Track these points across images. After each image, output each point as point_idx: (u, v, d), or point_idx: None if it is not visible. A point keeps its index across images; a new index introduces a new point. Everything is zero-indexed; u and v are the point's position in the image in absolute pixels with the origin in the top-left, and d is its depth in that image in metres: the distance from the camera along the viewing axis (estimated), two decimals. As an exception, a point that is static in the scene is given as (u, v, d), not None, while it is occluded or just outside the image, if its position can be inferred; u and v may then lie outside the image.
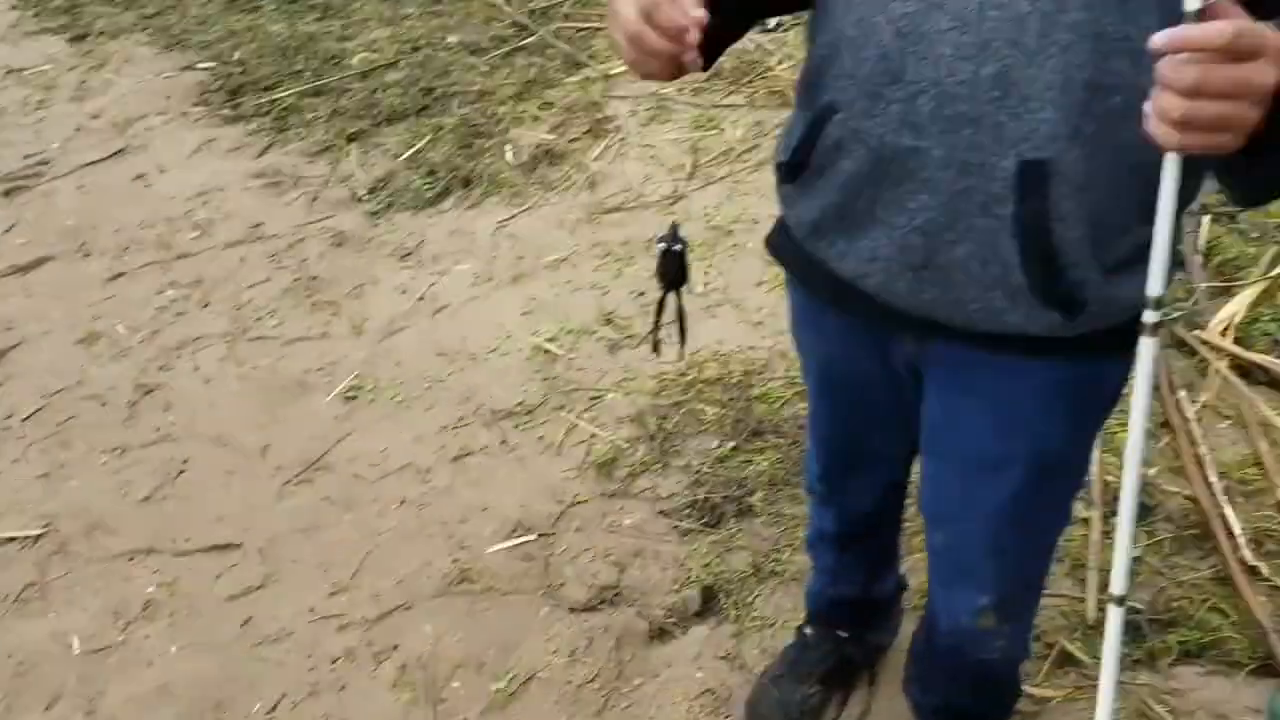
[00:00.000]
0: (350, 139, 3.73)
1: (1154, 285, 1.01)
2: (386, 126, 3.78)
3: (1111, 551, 2.07)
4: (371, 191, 3.47)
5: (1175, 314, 2.56)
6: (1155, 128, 0.90)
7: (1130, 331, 1.09)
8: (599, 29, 4.15)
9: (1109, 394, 1.34)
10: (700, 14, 1.02)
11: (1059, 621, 2.03)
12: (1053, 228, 1.11)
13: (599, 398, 2.67)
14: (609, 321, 2.89)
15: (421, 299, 3.02)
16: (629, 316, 2.90)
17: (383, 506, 2.43)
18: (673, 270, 1.42)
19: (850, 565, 1.83)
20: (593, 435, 2.56)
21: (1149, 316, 1.02)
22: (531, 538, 2.33)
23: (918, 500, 1.53)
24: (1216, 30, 0.84)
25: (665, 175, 3.42)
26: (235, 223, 3.39)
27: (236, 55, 4.31)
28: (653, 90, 3.80)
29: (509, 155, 3.53)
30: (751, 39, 3.97)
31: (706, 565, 2.25)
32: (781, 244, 1.40)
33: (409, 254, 3.20)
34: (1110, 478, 2.20)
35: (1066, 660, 1.96)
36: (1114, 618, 1.15)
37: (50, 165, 3.73)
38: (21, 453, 2.61)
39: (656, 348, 1.62)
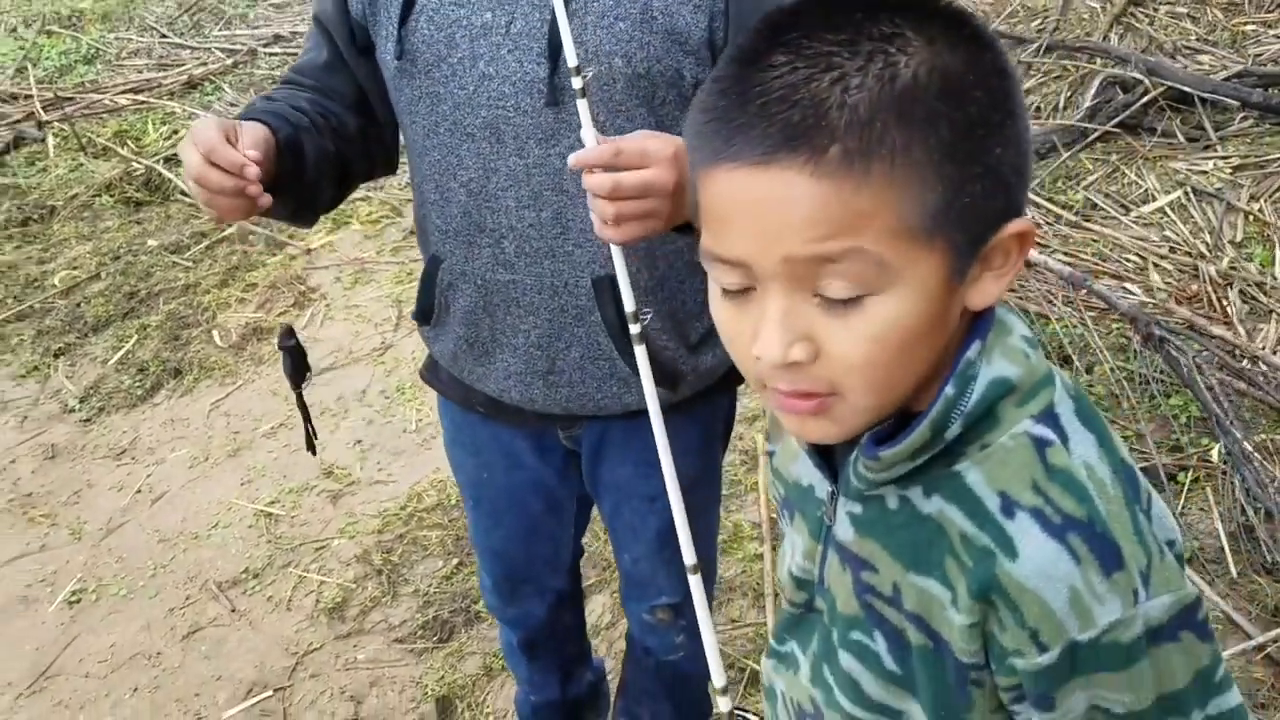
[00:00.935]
0: (57, 355, 3.74)
1: (627, 302, 1.21)
2: (93, 336, 3.82)
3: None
4: (83, 400, 3.49)
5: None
6: (600, 230, 1.16)
7: (725, 379, 1.45)
8: (296, 208, 4.35)
9: (723, 424, 1.65)
10: (255, 154, 1.20)
11: (748, 647, 2.24)
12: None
13: (324, 546, 2.77)
14: (329, 474, 3.01)
15: (139, 492, 3.05)
16: (347, 465, 3.02)
17: (116, 699, 2.43)
18: (292, 367, 1.54)
19: (543, 671, 1.96)
20: (321, 583, 2.65)
21: (632, 329, 1.24)
22: (268, 694, 2.39)
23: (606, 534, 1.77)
24: (602, 149, 1.12)
25: (373, 330, 3.61)
26: (-58, 458, 3.34)
27: (-68, 295, 4.26)
28: (354, 257, 4.01)
29: (217, 339, 3.64)
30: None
31: (440, 678, 2.36)
32: (434, 372, 1.62)
33: (124, 452, 3.23)
34: (774, 515, 2.47)
35: (757, 679, 2.17)
36: (722, 705, 1.22)
37: None
38: None
39: (311, 445, 1.67)
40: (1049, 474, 0.75)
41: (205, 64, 5.47)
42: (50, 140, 5.11)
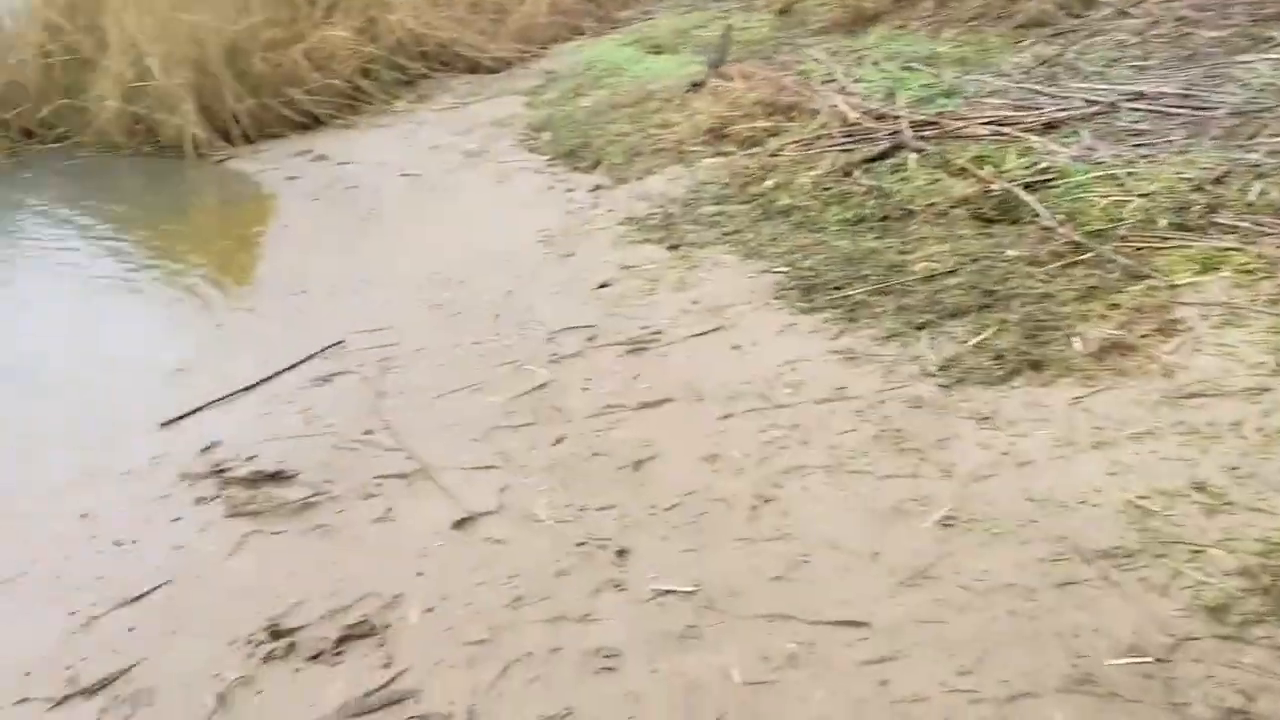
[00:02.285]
0: (919, 328, 4.15)
1: None
2: (951, 320, 4.17)
3: None
4: (942, 369, 3.83)
5: None
6: None
7: None
8: (1159, 248, 4.36)
9: None
10: None
11: None
12: None
13: (1200, 551, 2.73)
14: (1201, 489, 2.96)
15: (1005, 454, 3.27)
16: (1222, 486, 2.96)
17: (993, 614, 2.63)
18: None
19: None
20: (1200, 582, 2.62)
21: None
22: (1148, 659, 2.42)
23: None
24: None
25: (1244, 370, 3.49)
26: (821, 385, 3.87)
27: (807, 263, 4.97)
28: (1222, 301, 3.92)
29: (1076, 345, 3.78)
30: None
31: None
32: None
33: (986, 419, 3.48)
34: None
35: None
36: None
37: (662, 334, 4.47)
38: (666, 532, 3.12)
39: (717, 69, 1.87)
40: None
41: (1065, 109, 5.72)
42: (912, 156, 5.69)
